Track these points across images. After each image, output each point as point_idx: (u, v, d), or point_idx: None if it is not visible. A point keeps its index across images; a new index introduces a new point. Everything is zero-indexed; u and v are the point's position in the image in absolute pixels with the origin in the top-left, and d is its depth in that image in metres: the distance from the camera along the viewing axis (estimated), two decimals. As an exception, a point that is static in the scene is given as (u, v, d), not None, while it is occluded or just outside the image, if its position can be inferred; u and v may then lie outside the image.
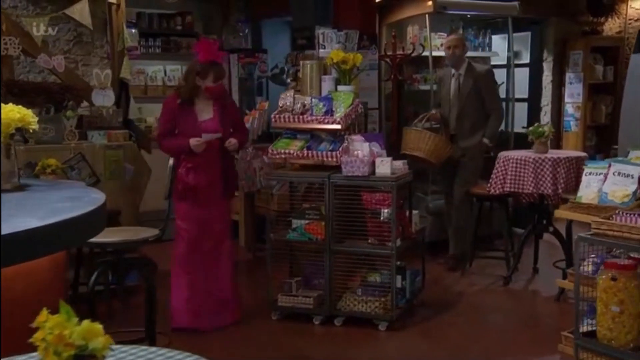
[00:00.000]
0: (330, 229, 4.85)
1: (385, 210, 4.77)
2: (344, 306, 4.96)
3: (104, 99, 5.75)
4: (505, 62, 8.01)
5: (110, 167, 5.57)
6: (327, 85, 5.16)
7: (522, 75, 8.51)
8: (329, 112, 4.91)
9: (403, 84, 7.19)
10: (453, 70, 6.37)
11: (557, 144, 9.07)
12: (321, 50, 6.19)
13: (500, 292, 5.82)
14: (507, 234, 6.23)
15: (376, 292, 4.92)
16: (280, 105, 5.05)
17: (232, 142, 4.76)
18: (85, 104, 5.84)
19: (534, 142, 6.03)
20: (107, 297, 5.05)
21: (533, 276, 6.20)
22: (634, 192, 3.95)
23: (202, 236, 4.81)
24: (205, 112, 4.82)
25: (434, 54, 6.98)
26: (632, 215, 3.20)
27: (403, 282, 5.11)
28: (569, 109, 8.93)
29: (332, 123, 4.87)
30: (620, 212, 3.28)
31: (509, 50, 7.85)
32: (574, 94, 8.81)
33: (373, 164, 4.81)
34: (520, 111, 8.43)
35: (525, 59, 8.58)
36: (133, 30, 7.31)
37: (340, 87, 5.13)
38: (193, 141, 4.64)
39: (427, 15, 6.88)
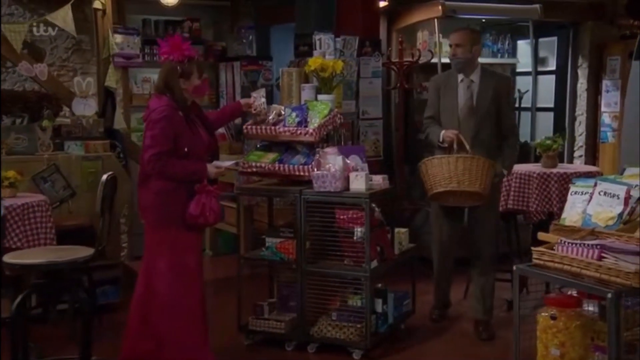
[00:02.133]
0: (301, 248, 4.51)
1: (359, 229, 4.40)
2: (317, 331, 4.61)
3: (85, 108, 5.56)
4: (529, 69, 7.58)
5: (88, 179, 5.35)
6: (306, 94, 4.84)
7: (548, 83, 8.01)
8: (303, 122, 4.57)
9: (411, 93, 6.81)
10: (460, 76, 4.92)
11: (594, 156, 8.52)
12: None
13: (500, 318, 5.34)
14: (514, 254, 5.76)
15: (352, 317, 4.55)
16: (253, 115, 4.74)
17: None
18: (67, 112, 5.67)
19: (541, 155, 5.59)
20: (69, 318, 4.79)
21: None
22: (620, 215, 3.48)
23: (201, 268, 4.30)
24: (196, 122, 4.22)
25: (444, 60, 6.55)
26: (574, 246, 2.77)
27: (384, 307, 4.73)
28: (606, 118, 8.32)
29: (305, 134, 4.53)
30: (563, 241, 2.85)
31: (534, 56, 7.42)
32: (611, 103, 8.21)
33: (347, 178, 4.46)
34: (545, 121, 7.93)
35: (552, 65, 8.05)
36: (136, 38, 7.11)
37: (320, 96, 4.80)
38: (212, 168, 4.11)
39: (436, 20, 6.49)
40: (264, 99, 4.69)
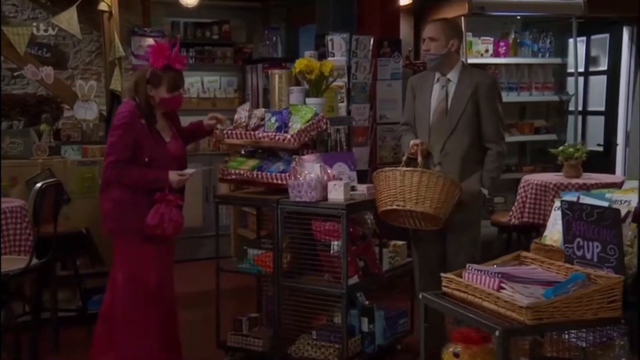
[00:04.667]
0: (278, 261, 4.24)
1: (335, 243, 4.09)
2: (296, 350, 4.31)
3: (87, 111, 5.48)
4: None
5: (84, 184, 5.26)
6: (294, 97, 4.56)
7: (598, 85, 7.41)
8: (282, 127, 4.29)
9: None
10: (437, 75, 4.21)
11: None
12: (330, 59, 5.61)
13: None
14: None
15: (332, 337, 4.23)
16: (235, 119, 4.51)
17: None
18: (69, 116, 5.62)
19: (563, 163, 5.11)
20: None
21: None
22: (598, 235, 3.03)
23: (166, 282, 4.08)
24: (165, 131, 4.06)
25: (472, 60, 6.13)
26: (479, 273, 2.37)
27: (370, 326, 4.40)
28: (675, 123, 7.64)
29: (284, 140, 4.25)
30: (471, 268, 2.45)
31: (585, 55, 6.86)
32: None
33: (326, 188, 4.15)
34: (595, 126, 7.34)
35: (603, 65, 7.44)
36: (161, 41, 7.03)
37: (308, 100, 4.51)
38: (174, 176, 3.89)
39: (463, 18, 6.06)
40: (247, 114, 4.45)
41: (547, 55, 6.69)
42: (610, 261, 2.35)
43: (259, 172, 4.33)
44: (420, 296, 2.61)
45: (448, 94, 4.15)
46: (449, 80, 4.17)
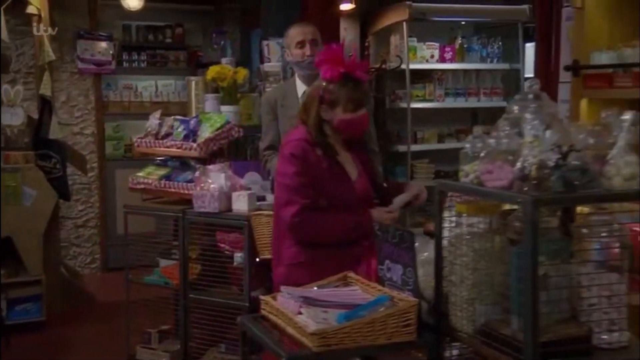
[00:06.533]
0: (184, 273, 4.14)
1: (238, 254, 3.98)
2: (203, 364, 4.22)
3: (12, 117, 5.37)
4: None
5: (6, 192, 5.17)
6: (209, 105, 4.49)
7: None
8: (189, 136, 4.20)
9: (383, 102, 6.28)
10: (302, 86, 3.89)
11: None
12: (266, 64, 5.51)
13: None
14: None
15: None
16: (146, 127, 4.41)
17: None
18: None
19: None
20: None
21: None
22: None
23: None
24: (350, 164, 3.11)
25: (416, 66, 6.01)
26: (289, 297, 2.25)
27: (281, 340, 4.28)
28: None
29: (190, 149, 4.15)
30: (285, 291, 2.34)
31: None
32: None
33: (231, 198, 4.04)
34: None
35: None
36: (109, 44, 6.96)
37: (223, 107, 4.43)
38: (381, 214, 3.00)
39: (404, 24, 5.93)
40: (158, 122, 4.36)
41: (496, 60, 6.55)
42: (409, 284, 2.27)
43: (167, 182, 4.24)
44: (238, 319, 2.50)
45: None
46: None
